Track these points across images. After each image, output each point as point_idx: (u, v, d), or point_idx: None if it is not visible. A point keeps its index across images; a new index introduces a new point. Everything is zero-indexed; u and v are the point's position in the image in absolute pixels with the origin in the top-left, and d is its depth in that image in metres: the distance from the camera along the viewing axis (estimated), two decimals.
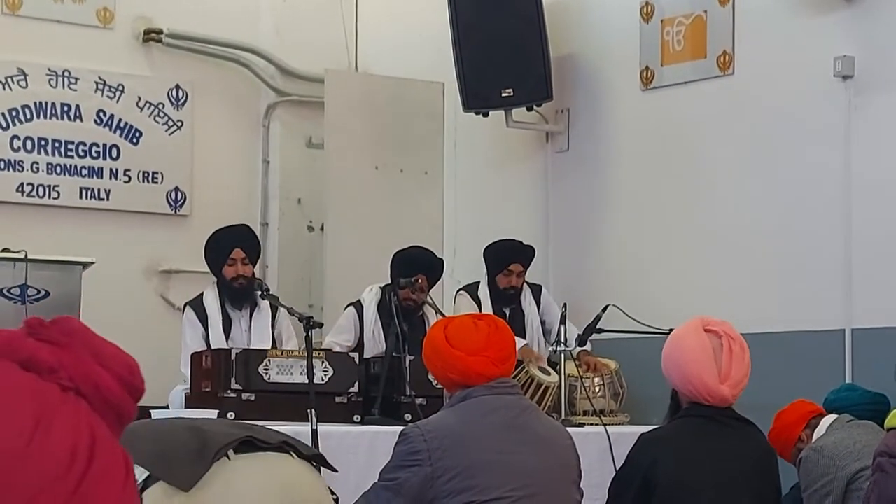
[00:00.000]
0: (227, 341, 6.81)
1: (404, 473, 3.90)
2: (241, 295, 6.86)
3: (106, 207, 8.05)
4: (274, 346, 6.80)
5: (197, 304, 6.96)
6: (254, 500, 2.75)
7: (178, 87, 8.32)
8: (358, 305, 7.17)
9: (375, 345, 6.97)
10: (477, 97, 8.03)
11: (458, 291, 7.56)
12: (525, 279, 7.46)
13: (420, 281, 6.83)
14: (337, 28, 8.95)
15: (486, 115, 8.14)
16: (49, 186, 7.89)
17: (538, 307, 7.51)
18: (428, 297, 6.88)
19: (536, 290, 7.55)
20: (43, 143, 7.92)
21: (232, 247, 6.83)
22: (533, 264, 7.54)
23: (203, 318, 6.91)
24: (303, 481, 2.84)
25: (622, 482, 4.68)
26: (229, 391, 5.78)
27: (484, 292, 7.44)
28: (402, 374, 6.20)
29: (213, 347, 6.64)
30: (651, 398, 6.85)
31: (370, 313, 7.09)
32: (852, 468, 5.36)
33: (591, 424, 6.29)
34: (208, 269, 6.96)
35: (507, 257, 7.40)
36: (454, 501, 3.87)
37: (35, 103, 7.93)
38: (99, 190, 8.03)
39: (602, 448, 5.70)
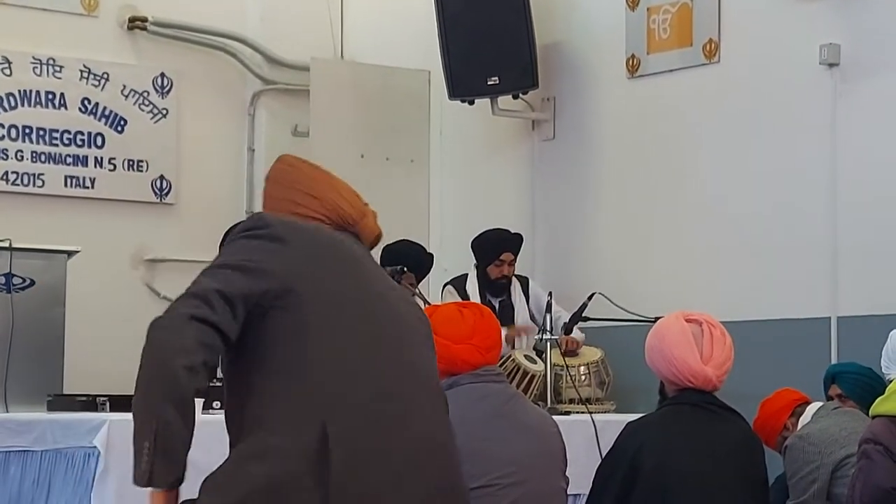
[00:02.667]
0: None
1: None
2: None
3: (91, 196, 8.03)
4: None
5: None
6: None
7: (163, 75, 8.29)
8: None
9: None
10: (463, 85, 8.02)
11: (444, 286, 7.55)
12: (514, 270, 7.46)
13: (405, 271, 6.82)
14: (322, 16, 8.93)
15: (472, 103, 8.13)
16: (34, 175, 7.87)
17: (527, 299, 7.50)
18: (417, 291, 6.87)
19: (524, 283, 7.55)
20: (28, 131, 7.90)
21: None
22: (519, 253, 7.53)
23: None
24: None
25: (608, 468, 4.69)
26: (216, 380, 5.76)
27: (472, 286, 7.43)
28: None
29: None
30: (637, 386, 6.86)
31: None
32: (838, 455, 5.37)
33: (577, 412, 6.29)
34: (197, 259, 6.94)
35: (497, 247, 7.39)
36: None
37: (19, 91, 7.90)
38: (84, 178, 8.01)
39: (588, 436, 5.70)
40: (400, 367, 3.15)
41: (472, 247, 7.50)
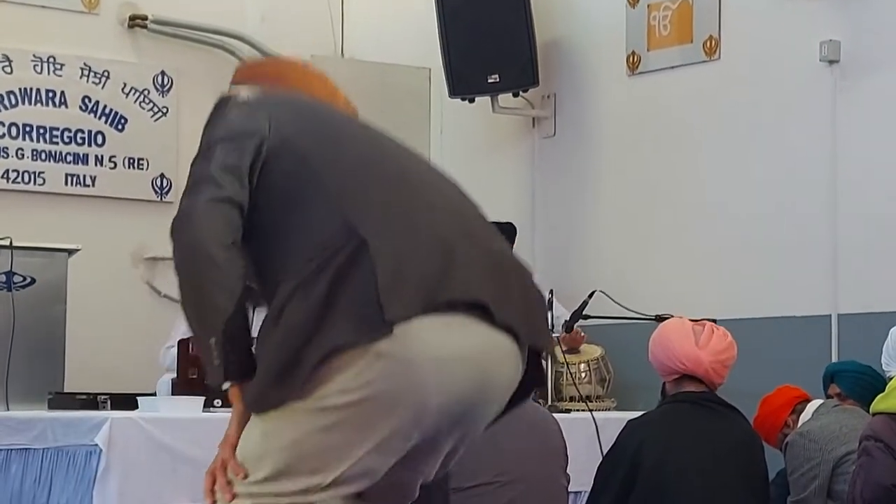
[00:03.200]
0: None
1: None
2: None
3: (91, 194, 8.03)
4: None
5: None
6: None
7: (163, 73, 8.29)
8: None
9: None
10: (463, 83, 8.02)
11: None
12: None
13: None
14: (322, 14, 8.93)
15: (472, 100, 8.13)
16: (34, 173, 7.87)
17: None
18: None
19: None
20: (28, 129, 7.90)
21: None
22: (520, 250, 7.51)
23: None
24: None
25: (609, 466, 4.70)
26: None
27: None
28: None
29: None
30: (637, 384, 6.86)
31: None
32: (838, 452, 5.38)
33: (578, 410, 6.29)
34: None
35: None
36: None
37: (20, 89, 7.90)
38: (84, 176, 8.01)
39: (589, 434, 5.70)
40: (409, 170, 3.07)
41: None
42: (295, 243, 2.87)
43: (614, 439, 4.83)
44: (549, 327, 3.09)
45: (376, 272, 2.74)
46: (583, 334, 7.02)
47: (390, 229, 2.82)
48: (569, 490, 4.46)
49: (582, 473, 4.90)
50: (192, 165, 3.02)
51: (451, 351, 2.78)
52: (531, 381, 3.02)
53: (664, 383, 4.96)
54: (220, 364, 2.83)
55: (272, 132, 2.95)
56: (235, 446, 2.87)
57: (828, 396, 5.95)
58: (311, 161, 2.93)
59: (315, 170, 2.92)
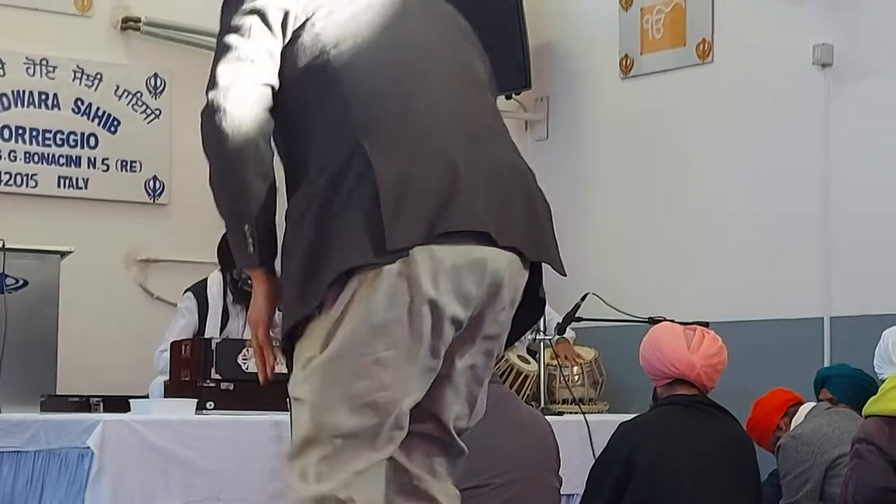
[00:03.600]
0: (219, 335, 6.77)
1: None
2: (247, 294, 6.81)
3: (84, 196, 8.01)
4: None
5: (200, 293, 6.89)
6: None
7: (156, 75, 8.28)
8: None
9: None
10: None
11: None
12: None
13: None
14: None
15: None
16: (27, 175, 7.86)
17: None
18: None
19: None
20: (20, 131, 7.88)
21: None
22: None
23: (203, 309, 6.87)
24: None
25: (602, 468, 4.71)
26: (209, 381, 5.77)
27: None
28: None
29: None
30: (630, 386, 6.86)
31: None
32: (831, 455, 5.38)
33: (571, 413, 6.29)
34: (191, 260, 6.93)
35: None
36: None
37: (12, 92, 7.88)
38: (77, 179, 8.00)
39: (581, 436, 5.70)
40: (428, 59, 3.02)
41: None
42: (311, 148, 2.86)
43: (607, 442, 4.83)
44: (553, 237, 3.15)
45: (380, 199, 2.74)
46: (570, 348, 7.01)
47: (398, 148, 2.82)
48: (561, 493, 4.46)
49: (574, 476, 4.90)
50: (224, 33, 2.93)
51: (452, 265, 2.82)
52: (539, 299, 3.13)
53: (655, 387, 4.97)
54: (255, 250, 2.83)
55: (301, 12, 2.91)
56: (268, 326, 2.92)
57: (819, 401, 5.95)
58: (331, 56, 2.89)
59: (335, 68, 2.88)
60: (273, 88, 2.88)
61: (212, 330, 6.80)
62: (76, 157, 8.02)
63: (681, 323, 5.12)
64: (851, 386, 5.87)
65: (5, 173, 7.82)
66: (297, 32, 2.91)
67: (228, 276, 6.86)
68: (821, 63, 6.90)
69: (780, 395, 5.99)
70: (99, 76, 8.12)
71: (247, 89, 2.83)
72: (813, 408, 5.74)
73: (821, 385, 6.00)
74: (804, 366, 6.48)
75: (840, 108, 6.89)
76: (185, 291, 7.00)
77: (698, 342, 4.76)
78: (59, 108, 8.00)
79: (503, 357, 6.81)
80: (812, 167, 6.94)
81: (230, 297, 6.87)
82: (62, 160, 7.98)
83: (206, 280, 6.94)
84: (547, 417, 4.56)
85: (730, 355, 4.92)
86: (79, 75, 8.07)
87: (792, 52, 7.04)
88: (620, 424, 4.84)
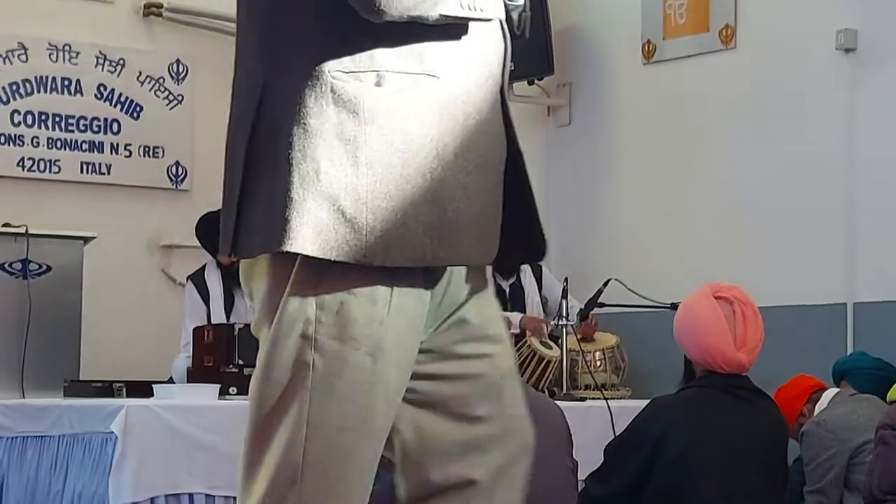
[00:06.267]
0: (227, 319, 6.79)
1: None
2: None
3: (107, 182, 8.03)
4: None
5: (199, 280, 6.93)
6: None
7: (178, 61, 8.29)
8: None
9: None
10: None
11: None
12: None
13: None
14: None
15: None
16: (50, 161, 7.88)
17: (539, 286, 7.47)
18: None
19: (537, 269, 7.52)
20: (43, 117, 7.90)
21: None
22: None
23: (205, 295, 6.89)
24: None
25: (628, 446, 4.64)
26: (231, 366, 5.79)
27: None
28: None
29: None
30: (652, 372, 6.85)
31: None
32: (855, 441, 5.36)
33: (593, 398, 6.29)
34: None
35: None
36: None
37: (35, 77, 7.90)
38: (100, 164, 8.01)
39: (604, 421, 5.70)
40: None
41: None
42: None
43: (637, 415, 4.74)
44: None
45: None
46: (596, 323, 7.01)
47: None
48: (578, 477, 4.44)
49: (596, 462, 4.89)
50: None
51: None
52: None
53: (686, 359, 4.86)
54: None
55: None
56: None
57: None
58: None
59: None
60: None
61: (217, 314, 6.82)
62: (99, 142, 8.04)
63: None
64: (871, 378, 5.85)
65: (28, 159, 7.84)
66: None
67: (216, 262, 6.88)
68: (844, 48, 6.88)
69: (803, 382, 5.97)
70: (121, 62, 8.13)
71: None
72: (836, 394, 5.72)
73: (840, 378, 5.98)
74: (827, 352, 6.46)
75: (864, 93, 6.86)
76: (186, 280, 7.03)
77: (742, 332, 4.61)
78: (82, 94, 8.01)
79: (525, 343, 6.80)
80: (836, 152, 6.92)
81: (231, 281, 6.87)
82: (85, 146, 8.00)
83: (203, 268, 6.96)
84: (569, 403, 4.55)
85: None
86: (101, 61, 8.08)
87: (815, 37, 7.01)
88: (652, 400, 4.76)
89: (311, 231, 2.32)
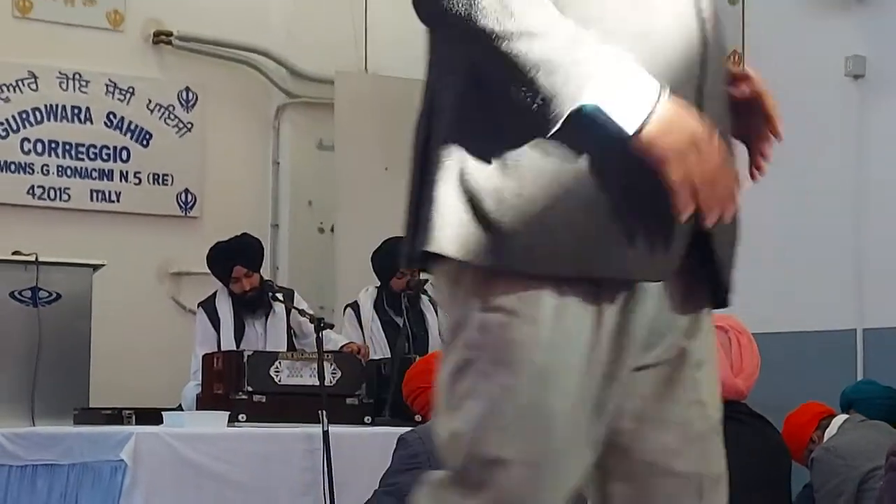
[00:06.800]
0: (237, 346, 6.79)
1: (404, 477, 3.90)
2: (252, 304, 6.85)
3: (117, 210, 8.06)
4: (291, 342, 6.82)
5: (209, 307, 6.93)
6: None
7: (187, 88, 8.32)
8: (355, 306, 7.19)
9: (373, 344, 6.99)
10: None
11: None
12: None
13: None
14: (347, 30, 8.95)
15: None
16: (60, 189, 7.90)
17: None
18: (427, 287, 6.85)
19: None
20: (53, 145, 7.93)
21: (232, 265, 6.78)
22: None
23: (215, 322, 6.90)
24: None
25: None
26: (241, 393, 5.79)
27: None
28: None
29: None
30: None
31: (367, 313, 7.10)
32: (865, 468, 5.35)
33: None
34: None
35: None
36: None
37: (45, 106, 7.94)
38: (109, 192, 8.04)
39: None
40: None
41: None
42: None
43: None
44: None
45: None
46: None
47: None
48: None
49: None
50: None
51: None
52: None
53: None
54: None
55: None
56: None
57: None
58: None
59: None
60: None
61: (227, 341, 6.82)
62: (108, 170, 8.07)
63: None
64: (881, 407, 5.83)
65: (38, 187, 7.86)
66: None
67: (228, 290, 6.88)
68: (853, 74, 6.88)
69: (812, 409, 5.96)
70: (131, 90, 8.16)
71: None
72: (846, 420, 5.71)
73: (847, 407, 5.96)
74: (836, 378, 6.45)
75: (872, 119, 6.86)
76: (198, 306, 7.03)
77: (738, 360, 4.67)
78: (92, 122, 8.05)
79: None
80: (845, 179, 6.91)
81: (242, 310, 6.88)
82: (95, 174, 8.03)
83: (214, 295, 6.96)
84: None
85: (761, 367, 4.89)
86: (111, 89, 8.12)
87: (824, 63, 7.02)
88: None
89: (452, 231, 2.18)
